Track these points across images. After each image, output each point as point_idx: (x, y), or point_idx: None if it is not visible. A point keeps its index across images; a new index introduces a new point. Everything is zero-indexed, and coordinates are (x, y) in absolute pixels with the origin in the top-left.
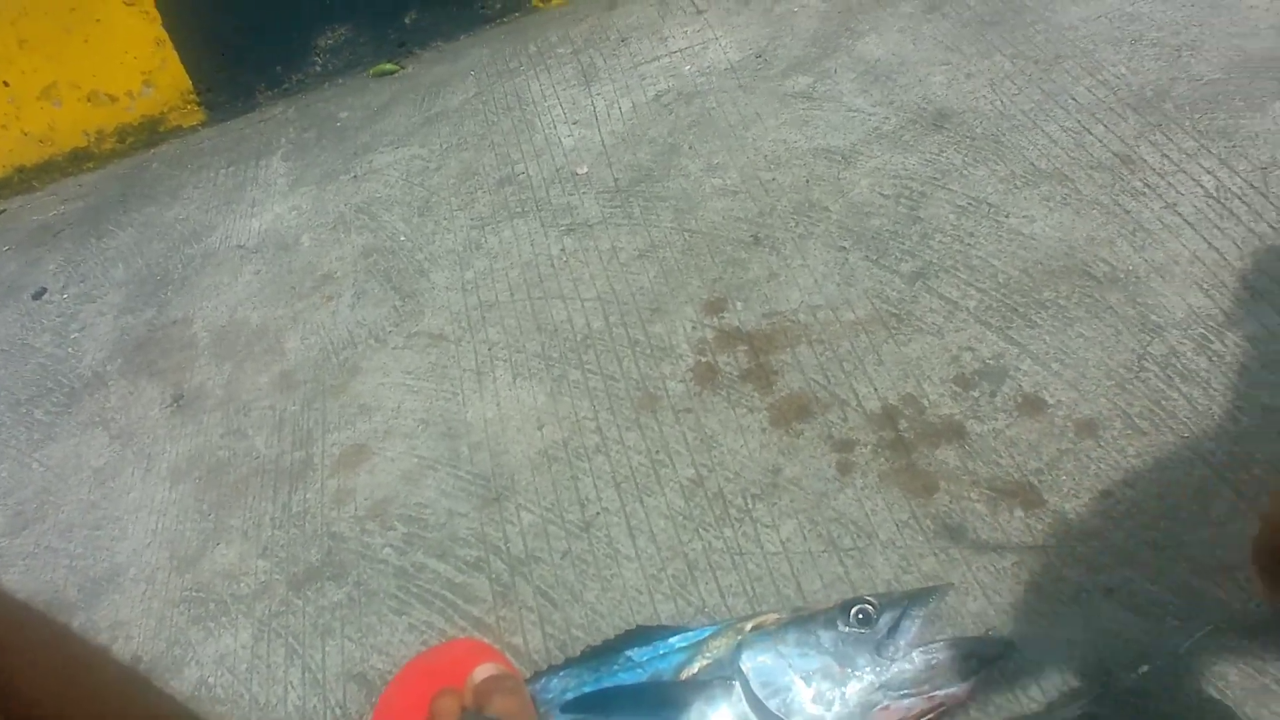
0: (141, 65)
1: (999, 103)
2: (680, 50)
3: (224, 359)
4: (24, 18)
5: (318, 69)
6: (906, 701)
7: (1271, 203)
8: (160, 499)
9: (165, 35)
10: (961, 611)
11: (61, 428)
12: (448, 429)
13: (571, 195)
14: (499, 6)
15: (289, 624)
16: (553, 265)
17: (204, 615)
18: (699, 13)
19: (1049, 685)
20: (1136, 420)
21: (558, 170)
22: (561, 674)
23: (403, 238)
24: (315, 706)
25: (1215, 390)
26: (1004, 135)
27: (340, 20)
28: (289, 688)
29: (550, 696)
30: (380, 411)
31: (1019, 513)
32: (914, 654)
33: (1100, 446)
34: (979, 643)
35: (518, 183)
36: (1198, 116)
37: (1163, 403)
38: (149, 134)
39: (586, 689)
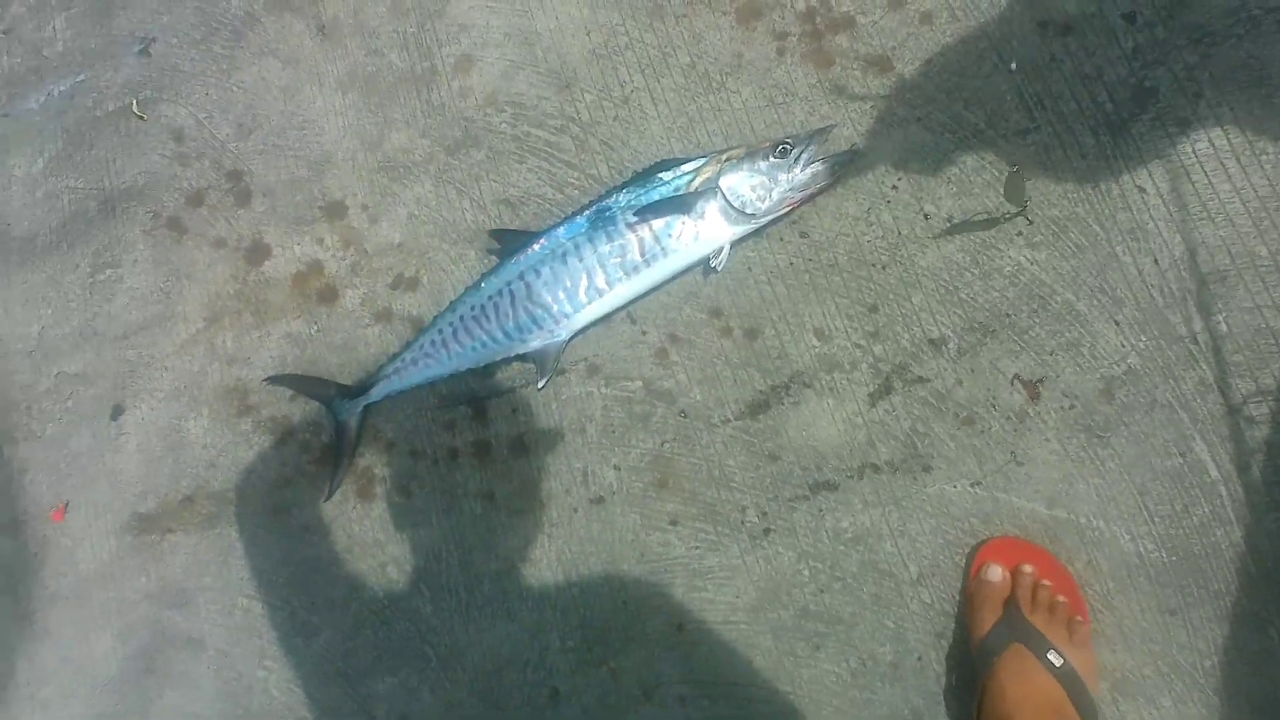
0: None
1: None
2: None
3: None
4: None
5: None
6: (801, 194)
7: None
8: (339, 104)
9: None
10: (839, 136)
11: (240, 59)
12: (524, 39)
13: None
14: None
15: (453, 176)
16: None
17: (397, 176)
18: None
19: (877, 170)
20: (957, 13)
21: None
22: (624, 190)
23: None
24: (482, 220)
25: None
26: None
27: None
28: (464, 211)
29: (621, 204)
30: (474, 29)
31: (878, 75)
32: (809, 169)
33: (933, 30)
34: (843, 154)
35: None
36: None
37: None
38: None
39: (642, 199)
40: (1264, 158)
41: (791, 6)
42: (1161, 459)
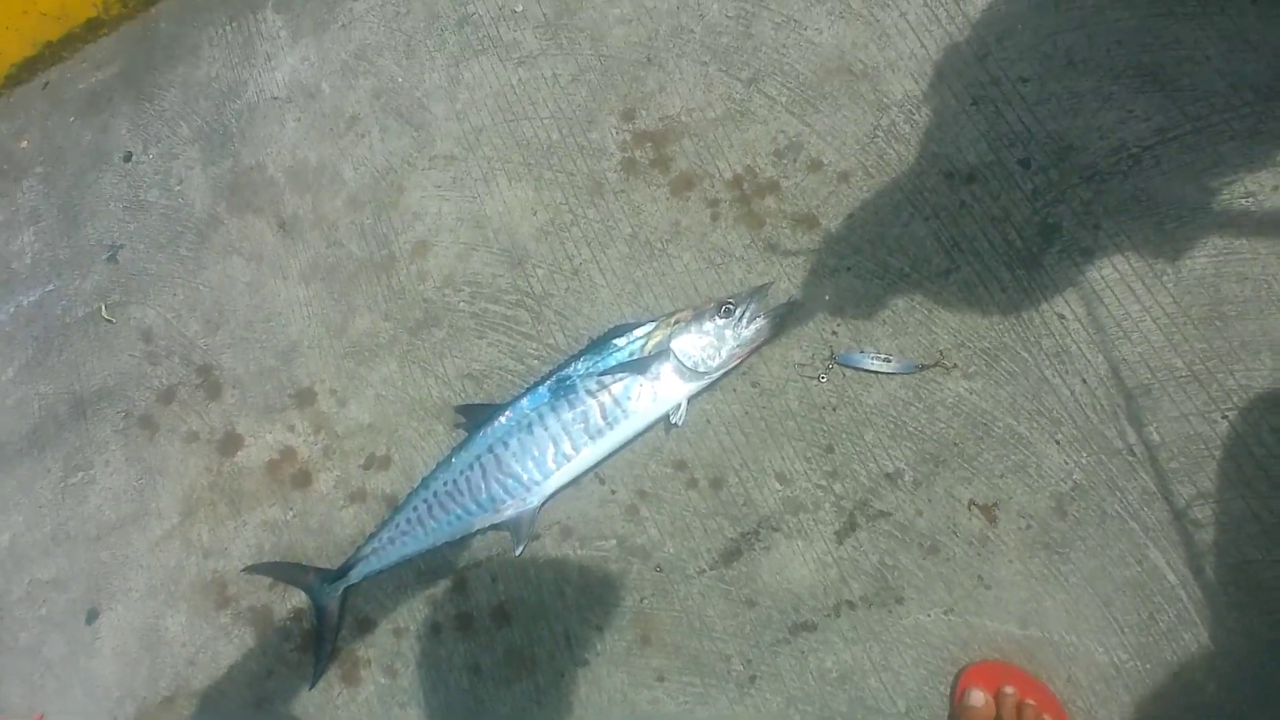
0: None
1: None
2: None
3: (303, 191)
4: None
5: None
6: (748, 348)
7: (961, 9)
8: (302, 295)
9: None
10: (778, 290)
11: (205, 259)
12: (475, 223)
13: (515, 31)
14: None
15: (417, 355)
16: (515, 93)
17: (363, 359)
18: None
19: (817, 319)
20: (870, 170)
21: (500, 8)
22: (581, 358)
23: (400, 79)
24: (448, 396)
25: (912, 146)
26: None
27: None
28: (429, 389)
29: (580, 372)
30: (428, 216)
31: (806, 231)
32: (754, 324)
33: (850, 188)
34: (782, 306)
35: (473, 22)
36: None
37: (884, 157)
38: None
39: (599, 365)
40: (1165, 278)
41: (720, 175)
42: (1120, 569)
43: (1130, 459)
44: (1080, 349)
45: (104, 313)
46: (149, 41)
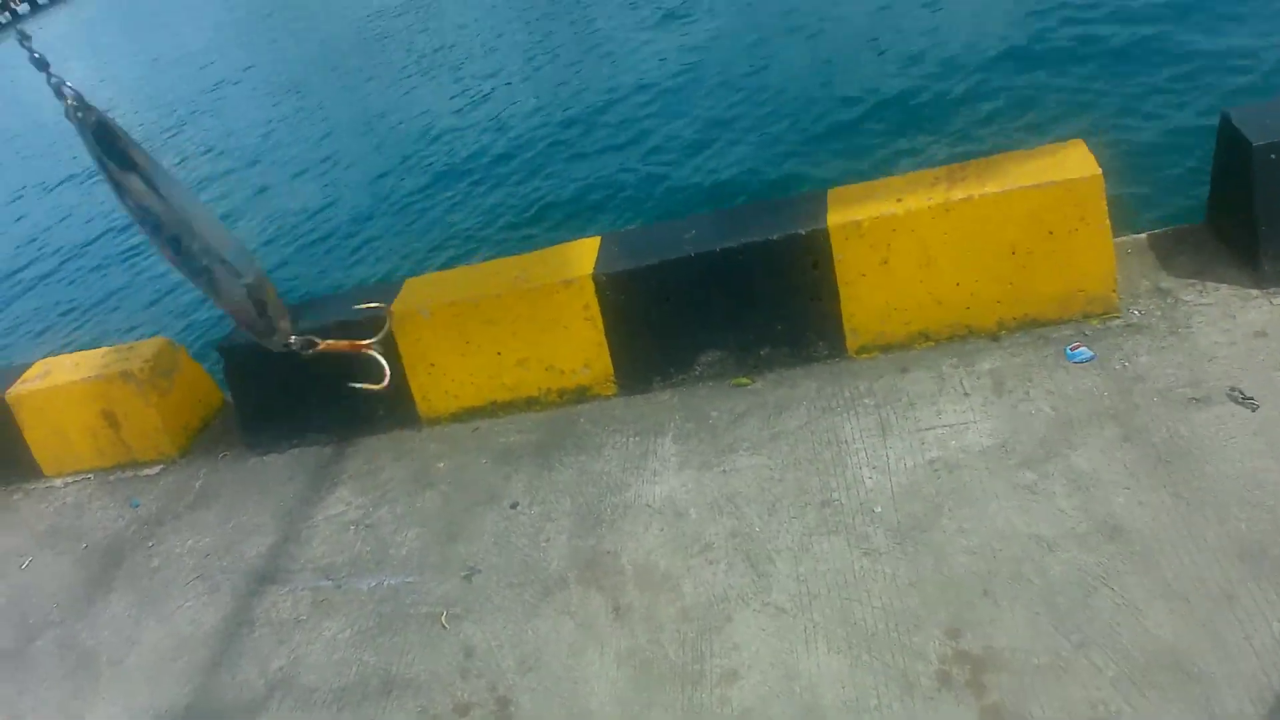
0: (585, 354)
1: (1156, 529)
2: (949, 425)
3: (644, 588)
4: (519, 321)
5: (696, 373)
6: None
7: None
8: (612, 674)
9: (604, 339)
10: None
11: (542, 610)
12: (786, 673)
13: (868, 526)
14: (825, 352)
15: None
16: (855, 576)
17: None
18: (965, 395)
19: None
20: None
21: (861, 504)
22: None
23: (757, 529)
24: None
25: None
26: (1154, 554)
27: (716, 346)
28: None
29: None
30: (746, 651)
31: None
32: None
33: None
34: None
35: (834, 506)
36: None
37: None
38: (579, 396)
39: None
40: None
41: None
42: None
43: None
44: None
45: (443, 619)
46: (567, 428)
